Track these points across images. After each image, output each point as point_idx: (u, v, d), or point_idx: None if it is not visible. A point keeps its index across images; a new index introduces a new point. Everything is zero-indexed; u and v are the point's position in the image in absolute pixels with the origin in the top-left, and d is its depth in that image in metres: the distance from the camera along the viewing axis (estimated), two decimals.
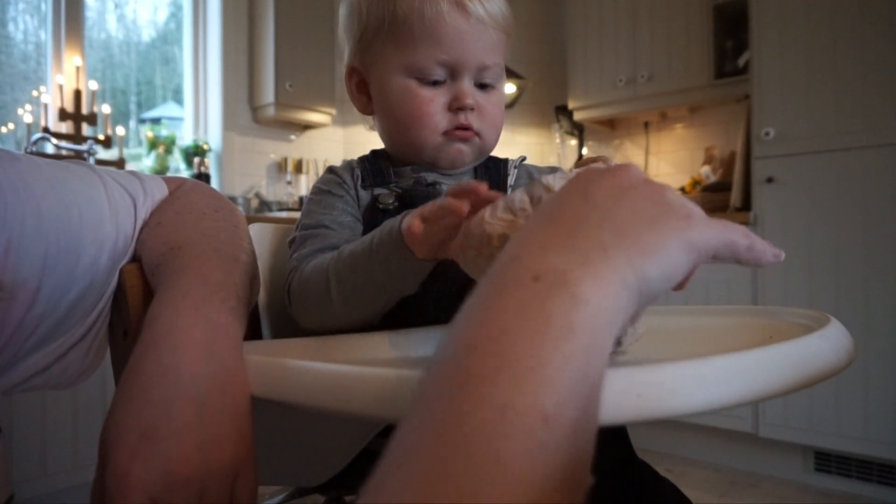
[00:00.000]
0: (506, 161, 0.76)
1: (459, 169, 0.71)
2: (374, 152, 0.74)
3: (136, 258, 0.55)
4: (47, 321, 0.50)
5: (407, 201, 0.66)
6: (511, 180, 0.73)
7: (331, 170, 0.71)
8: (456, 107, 0.66)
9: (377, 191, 0.69)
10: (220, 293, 0.47)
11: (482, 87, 0.68)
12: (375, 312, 0.59)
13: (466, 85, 0.66)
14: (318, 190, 0.69)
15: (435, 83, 0.66)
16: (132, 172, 0.61)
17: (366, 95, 0.72)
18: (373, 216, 0.67)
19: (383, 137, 0.73)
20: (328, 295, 0.57)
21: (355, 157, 0.73)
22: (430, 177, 0.69)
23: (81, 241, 0.50)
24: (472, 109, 0.67)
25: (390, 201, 0.67)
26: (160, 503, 0.37)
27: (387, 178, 0.70)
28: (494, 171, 0.74)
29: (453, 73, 0.66)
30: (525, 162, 0.77)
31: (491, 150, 0.73)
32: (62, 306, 0.50)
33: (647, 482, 0.66)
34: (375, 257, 0.54)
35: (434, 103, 0.66)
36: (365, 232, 0.66)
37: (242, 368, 0.43)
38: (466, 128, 0.67)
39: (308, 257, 0.62)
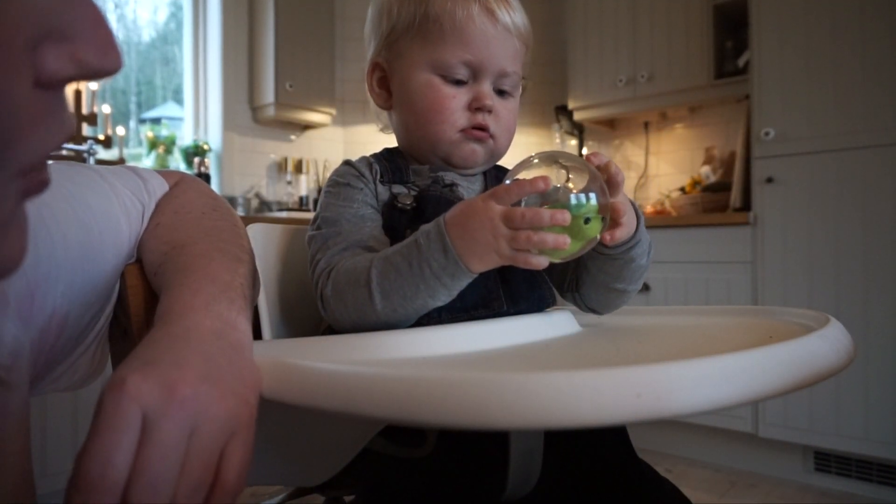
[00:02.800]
0: None
1: (471, 169, 0.73)
2: (388, 150, 0.75)
3: (136, 258, 0.55)
4: (73, 339, 0.50)
5: (423, 202, 0.67)
6: None
7: (348, 163, 0.71)
8: (475, 107, 0.68)
9: (395, 188, 0.70)
10: (228, 293, 0.46)
11: (500, 93, 0.71)
12: (412, 319, 0.60)
13: (486, 87, 0.69)
14: (336, 182, 0.69)
15: (457, 82, 0.68)
16: (132, 169, 0.60)
17: (386, 91, 0.74)
18: (391, 214, 0.68)
19: (399, 132, 0.75)
20: (371, 306, 0.57)
21: (366, 154, 0.74)
22: (448, 177, 0.71)
23: (104, 262, 0.50)
24: (489, 111, 0.69)
25: (408, 202, 0.68)
26: (150, 418, 0.34)
27: (405, 176, 0.71)
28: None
29: (475, 74, 0.68)
30: None
31: (502, 155, 0.75)
32: (84, 322, 0.51)
33: (648, 482, 0.66)
34: (426, 273, 0.55)
35: (455, 100, 0.68)
36: (384, 229, 0.67)
37: (253, 360, 0.42)
38: (483, 128, 0.69)
39: (335, 257, 0.63)
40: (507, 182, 0.55)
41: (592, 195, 0.53)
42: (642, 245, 0.65)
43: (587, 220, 0.53)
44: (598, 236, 0.55)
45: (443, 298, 0.57)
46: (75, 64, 0.26)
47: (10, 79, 0.24)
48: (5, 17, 0.23)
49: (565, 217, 0.50)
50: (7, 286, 0.42)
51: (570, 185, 0.53)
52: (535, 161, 0.56)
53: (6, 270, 0.30)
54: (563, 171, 0.55)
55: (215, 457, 0.36)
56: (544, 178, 0.50)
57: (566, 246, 0.52)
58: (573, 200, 0.52)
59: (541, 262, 0.53)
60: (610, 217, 0.56)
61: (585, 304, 0.72)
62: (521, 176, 0.55)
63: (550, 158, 0.56)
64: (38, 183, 0.29)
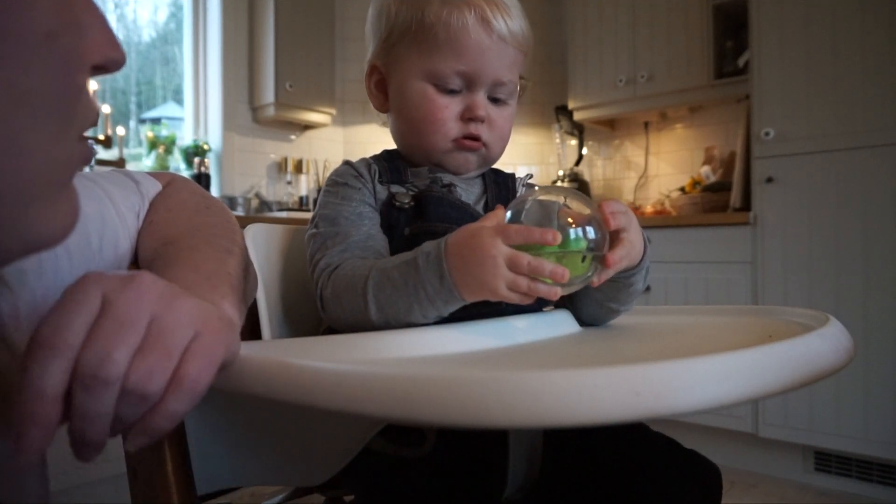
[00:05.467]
0: (513, 176, 0.79)
1: (465, 174, 0.74)
2: (387, 152, 0.76)
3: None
4: None
5: (422, 201, 0.68)
6: None
7: (347, 163, 0.72)
8: (468, 117, 0.69)
9: (394, 188, 0.70)
10: (210, 280, 0.46)
11: (495, 101, 0.71)
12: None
13: (480, 97, 0.69)
14: (334, 182, 0.70)
15: (451, 91, 0.69)
16: (124, 172, 0.60)
17: (384, 94, 0.75)
18: (389, 213, 0.68)
19: (395, 136, 0.76)
20: (366, 315, 0.58)
21: (366, 156, 0.74)
22: (446, 178, 0.71)
23: (106, 268, 0.51)
24: (482, 121, 0.69)
25: (406, 201, 0.68)
26: (109, 297, 0.34)
27: (403, 176, 0.71)
28: (504, 187, 0.76)
29: (470, 84, 0.68)
30: (530, 179, 0.80)
31: (496, 161, 0.75)
32: None
33: (643, 448, 0.65)
34: (421, 295, 0.55)
35: (448, 110, 0.69)
36: (382, 228, 0.68)
37: (237, 335, 0.42)
38: (475, 137, 0.70)
39: (335, 258, 0.63)
40: (511, 212, 0.56)
41: (590, 229, 0.54)
42: (642, 271, 0.66)
43: (583, 258, 0.55)
44: (590, 275, 0.56)
45: (434, 317, 0.57)
46: (102, 55, 0.33)
47: (84, 65, 0.32)
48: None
49: (564, 275, 0.52)
50: (20, 301, 0.43)
51: (570, 220, 0.54)
52: (537, 190, 0.57)
53: (57, 238, 0.34)
54: (568, 205, 0.56)
55: (174, 349, 0.35)
56: (554, 233, 0.51)
57: (556, 297, 0.54)
58: (572, 235, 0.54)
59: (529, 301, 0.54)
60: (603, 257, 0.56)
61: (576, 317, 0.73)
62: (530, 200, 0.56)
63: (560, 192, 0.57)
64: (89, 149, 0.35)
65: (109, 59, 0.34)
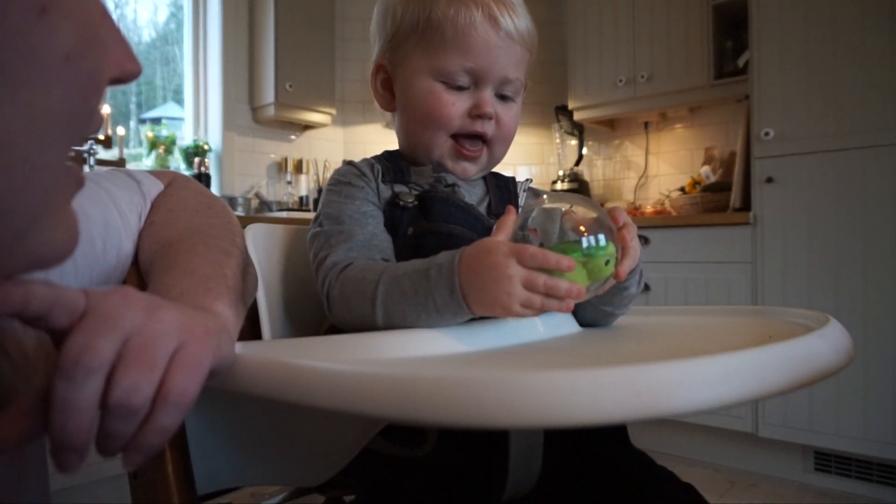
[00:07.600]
0: (513, 180, 0.79)
1: (466, 179, 0.74)
2: (389, 152, 0.76)
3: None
4: None
5: (426, 201, 0.68)
6: (521, 201, 0.77)
7: (350, 163, 0.72)
8: (476, 114, 0.69)
9: (397, 187, 0.70)
10: (205, 283, 0.46)
11: (502, 98, 0.71)
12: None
13: (488, 94, 0.69)
14: (337, 181, 0.70)
15: (459, 88, 0.69)
16: (125, 171, 0.60)
17: (389, 92, 0.75)
18: (392, 212, 0.68)
19: (400, 135, 0.76)
20: (373, 319, 0.58)
21: (368, 156, 0.74)
22: (450, 178, 0.71)
23: (109, 271, 0.51)
24: (490, 118, 0.69)
25: (410, 200, 0.68)
26: (91, 299, 0.34)
27: (406, 175, 0.71)
28: (505, 190, 0.77)
29: (477, 81, 0.69)
30: (530, 183, 0.81)
31: (498, 162, 0.76)
32: None
33: (643, 467, 0.66)
34: (430, 306, 0.55)
35: (455, 107, 0.69)
36: (385, 227, 0.68)
37: (230, 339, 0.42)
38: (480, 135, 0.70)
39: (342, 257, 0.63)
40: (521, 221, 0.55)
41: (603, 235, 0.54)
42: (635, 275, 0.66)
43: (606, 262, 0.55)
44: (607, 278, 0.56)
45: (441, 326, 0.57)
46: (120, 69, 0.33)
47: (102, 84, 0.32)
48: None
49: (580, 294, 0.52)
50: None
51: (582, 227, 0.54)
52: (545, 198, 0.57)
53: (59, 258, 0.35)
54: (576, 210, 0.56)
55: (156, 360, 0.34)
56: (570, 261, 0.51)
57: (570, 310, 0.54)
58: (593, 242, 0.54)
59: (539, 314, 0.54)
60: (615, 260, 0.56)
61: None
62: (536, 208, 0.56)
63: (568, 199, 0.57)
64: (81, 177, 0.35)
65: (127, 71, 0.34)
